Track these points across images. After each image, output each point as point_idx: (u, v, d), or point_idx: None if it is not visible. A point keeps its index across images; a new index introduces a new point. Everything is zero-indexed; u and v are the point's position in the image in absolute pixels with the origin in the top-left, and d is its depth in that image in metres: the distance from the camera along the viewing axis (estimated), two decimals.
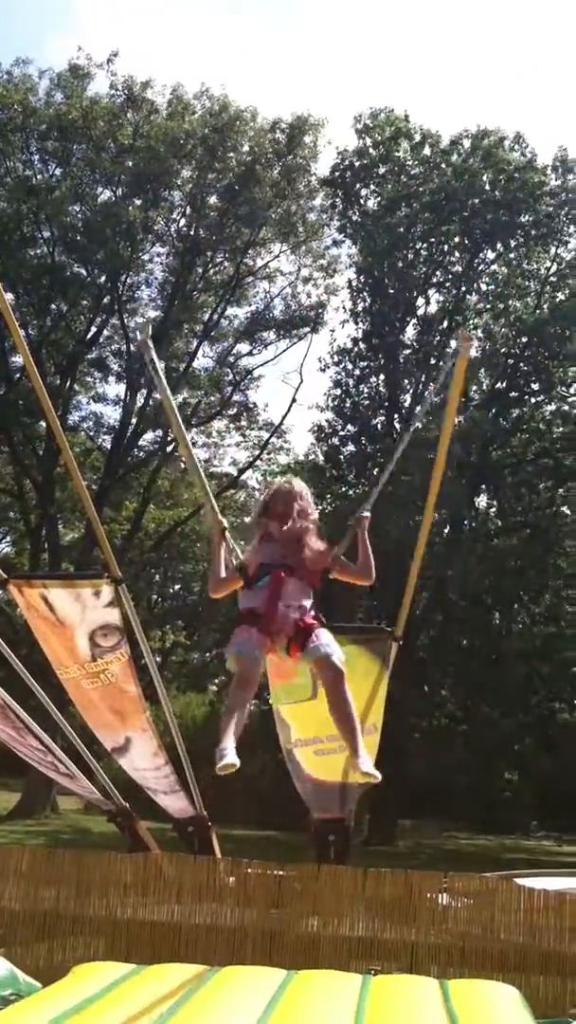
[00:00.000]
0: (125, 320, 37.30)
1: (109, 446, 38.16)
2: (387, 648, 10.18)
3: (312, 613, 6.09)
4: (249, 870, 9.67)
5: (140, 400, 37.15)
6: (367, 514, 6.88)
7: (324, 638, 6.03)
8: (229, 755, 5.40)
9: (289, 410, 40.86)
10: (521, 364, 33.94)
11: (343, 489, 35.37)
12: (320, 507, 35.68)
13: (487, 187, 33.46)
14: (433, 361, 34.10)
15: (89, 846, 17.52)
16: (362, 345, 36.19)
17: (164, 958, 7.47)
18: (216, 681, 42.47)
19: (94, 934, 9.27)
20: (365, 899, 9.24)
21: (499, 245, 34.79)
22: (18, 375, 34.53)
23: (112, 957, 7.94)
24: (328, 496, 35.06)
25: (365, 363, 36.28)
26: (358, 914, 9.20)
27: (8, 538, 45.39)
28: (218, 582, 6.39)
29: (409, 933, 9.07)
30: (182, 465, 38.55)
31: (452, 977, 7.57)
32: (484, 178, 33.42)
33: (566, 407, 34.32)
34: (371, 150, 35.70)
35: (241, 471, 40.58)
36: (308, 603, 6.09)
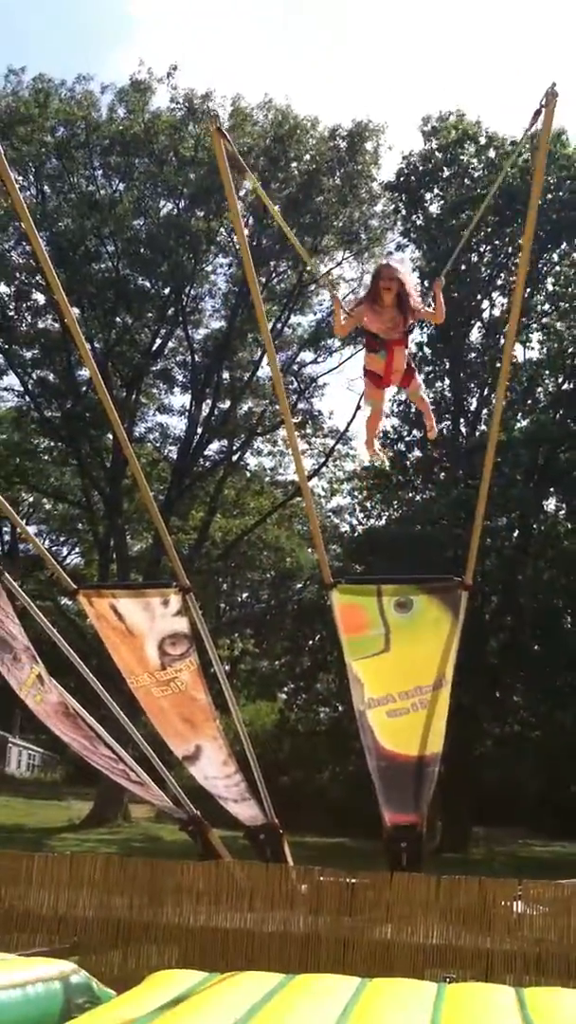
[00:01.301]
0: (189, 331, 37.56)
1: (175, 456, 38.42)
2: (457, 598, 10.07)
3: (413, 366, 8.91)
4: (321, 878, 9.63)
5: (205, 410, 37.36)
6: (442, 279, 9.16)
7: (420, 380, 9.38)
8: (376, 452, 10.79)
9: (354, 417, 40.71)
10: None
11: (410, 495, 35.19)
12: (388, 512, 35.64)
13: (552, 186, 33.11)
14: (498, 365, 33.84)
15: (161, 854, 17.59)
16: (427, 350, 35.99)
17: (237, 966, 7.47)
18: (285, 689, 42.44)
19: (168, 942, 9.28)
20: (439, 907, 9.15)
21: (564, 244, 34.43)
22: (85, 388, 34.93)
23: (186, 965, 7.94)
24: (395, 502, 34.88)
25: (430, 367, 36.07)
26: (432, 922, 9.12)
27: (77, 549, 45.90)
28: (339, 327, 9.01)
29: (484, 941, 8.97)
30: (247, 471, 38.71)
31: (528, 985, 7.47)
32: (549, 178, 33.06)
33: None
34: (437, 153, 35.56)
35: (307, 478, 40.54)
36: (406, 360, 8.59)
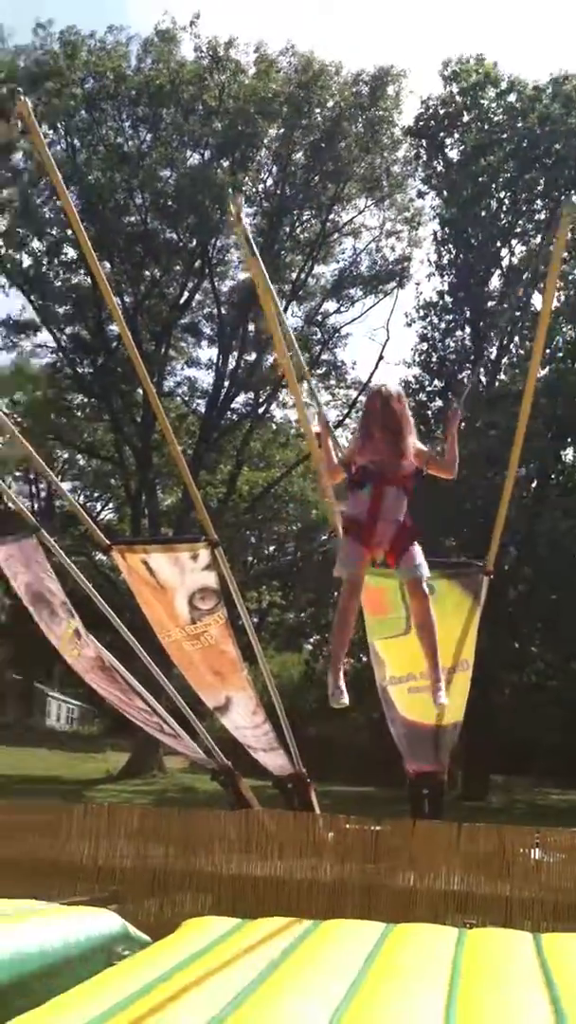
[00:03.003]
0: (216, 284, 37.50)
1: (203, 410, 38.54)
2: (478, 582, 10.21)
3: (410, 526, 6.31)
4: (347, 825, 9.86)
5: (232, 363, 37.42)
6: (458, 411, 7.51)
7: (419, 557, 6.27)
8: (341, 695, 5.96)
9: (377, 367, 40.81)
10: None
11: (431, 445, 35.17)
12: None
13: (572, 133, 32.66)
14: (519, 313, 33.65)
15: (195, 804, 17.97)
16: (447, 298, 35.80)
17: (268, 912, 7.69)
18: (311, 640, 42.77)
19: (201, 890, 9.53)
20: (460, 854, 9.38)
21: None
22: (115, 343, 35.01)
23: (219, 912, 8.17)
24: None
25: (451, 316, 35.89)
26: (453, 869, 9.35)
27: (110, 505, 46.24)
28: (330, 470, 6.79)
29: (503, 887, 9.19)
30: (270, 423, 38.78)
31: (545, 931, 7.73)
32: (569, 123, 32.64)
33: None
34: (457, 97, 35.13)
35: (334, 426, 40.59)
36: (404, 512, 6.28)
